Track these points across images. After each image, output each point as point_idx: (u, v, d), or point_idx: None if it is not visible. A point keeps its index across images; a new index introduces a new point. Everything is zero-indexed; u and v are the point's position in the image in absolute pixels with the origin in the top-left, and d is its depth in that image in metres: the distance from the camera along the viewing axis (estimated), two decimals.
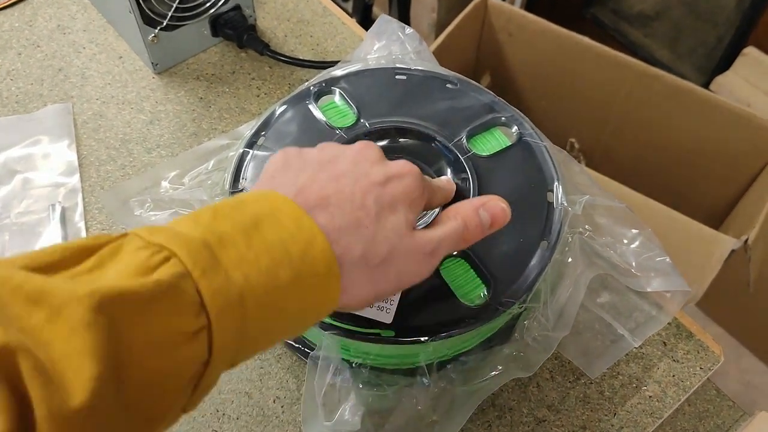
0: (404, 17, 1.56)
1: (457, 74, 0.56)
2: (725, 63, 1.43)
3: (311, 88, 0.55)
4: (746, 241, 0.96)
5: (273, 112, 0.54)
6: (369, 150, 0.40)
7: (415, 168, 0.39)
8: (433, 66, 0.58)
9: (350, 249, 0.34)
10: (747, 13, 1.37)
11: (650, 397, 0.50)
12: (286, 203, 0.34)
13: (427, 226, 0.39)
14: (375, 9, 1.60)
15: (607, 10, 1.63)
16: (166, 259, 0.29)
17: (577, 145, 1.32)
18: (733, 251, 0.96)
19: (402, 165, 0.39)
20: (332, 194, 0.35)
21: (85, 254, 0.29)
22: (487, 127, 0.53)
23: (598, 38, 1.23)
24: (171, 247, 0.29)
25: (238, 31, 0.68)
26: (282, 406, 0.51)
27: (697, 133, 1.20)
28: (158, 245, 0.30)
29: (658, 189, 1.18)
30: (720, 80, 1.34)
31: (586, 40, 1.21)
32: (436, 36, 1.28)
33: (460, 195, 0.50)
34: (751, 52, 1.35)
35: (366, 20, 1.49)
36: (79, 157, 0.63)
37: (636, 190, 1.04)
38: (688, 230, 0.99)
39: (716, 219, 1.26)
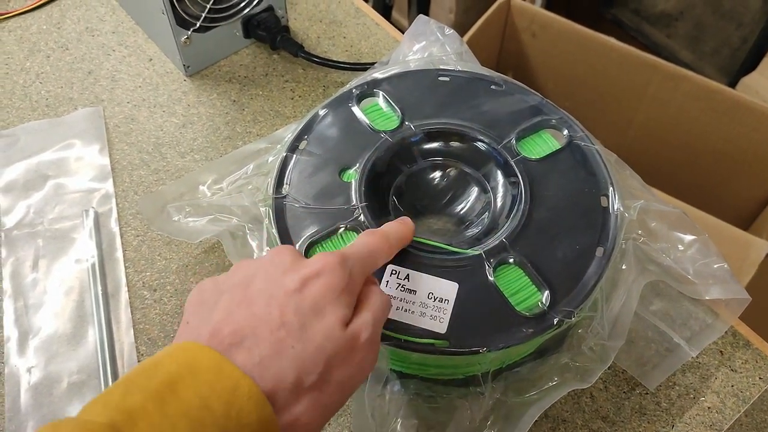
0: None
1: (503, 75, 0.55)
2: (749, 64, 1.40)
3: (353, 90, 0.54)
4: None
5: (315, 115, 0.53)
6: (280, 256, 0.36)
7: (331, 258, 0.36)
8: (476, 67, 0.57)
9: (281, 378, 0.31)
10: None
11: (709, 408, 0.48)
12: (203, 352, 0.31)
13: (354, 310, 0.36)
14: (393, 11, 1.59)
15: (628, 10, 1.61)
16: None
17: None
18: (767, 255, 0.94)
19: (317, 261, 0.36)
20: (245, 324, 0.33)
21: None
22: (535, 129, 0.52)
23: (618, 39, 1.21)
24: None
25: (272, 33, 0.67)
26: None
27: (725, 135, 1.18)
28: None
29: (684, 191, 1.16)
30: (746, 81, 1.32)
31: (611, 40, 1.19)
32: None
33: (510, 199, 0.48)
34: None
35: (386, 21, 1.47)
36: (111, 162, 0.61)
37: (662, 191, 1.03)
38: (720, 233, 0.97)
39: (744, 221, 1.24)
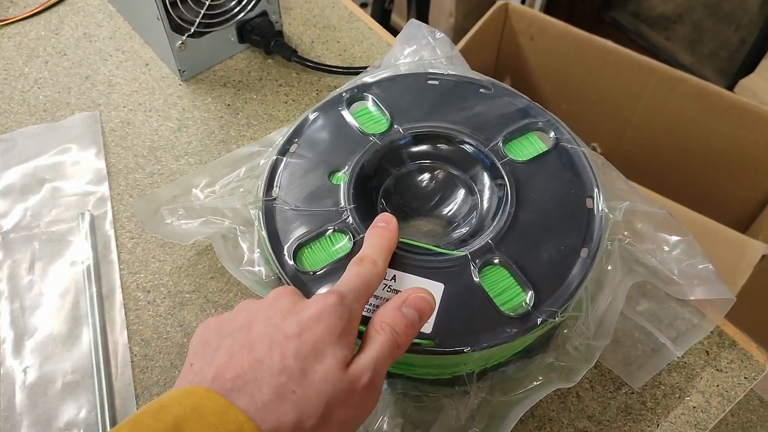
0: (422, 22, 1.55)
1: (491, 79, 0.56)
2: (748, 66, 1.41)
3: (343, 94, 0.55)
4: None
5: (305, 119, 0.53)
6: (280, 300, 0.37)
7: (330, 299, 0.36)
8: (466, 71, 0.57)
9: (282, 422, 0.32)
10: None
11: (694, 407, 0.49)
12: (208, 396, 0.32)
13: (358, 350, 0.36)
14: (393, 15, 1.60)
15: (627, 12, 1.61)
16: None
17: (599, 149, 1.30)
18: (763, 256, 0.94)
19: (315, 303, 0.36)
20: (248, 368, 0.33)
21: None
22: (522, 132, 0.52)
23: (617, 41, 1.21)
24: None
25: (266, 38, 0.68)
26: None
27: (722, 137, 1.18)
28: None
29: (681, 192, 1.16)
30: (744, 83, 1.32)
31: (608, 43, 1.20)
32: (455, 40, 1.27)
33: (497, 201, 0.49)
34: None
35: (385, 26, 1.48)
36: (107, 165, 0.62)
37: (659, 194, 1.03)
38: (716, 235, 0.98)
39: (742, 223, 1.24)
